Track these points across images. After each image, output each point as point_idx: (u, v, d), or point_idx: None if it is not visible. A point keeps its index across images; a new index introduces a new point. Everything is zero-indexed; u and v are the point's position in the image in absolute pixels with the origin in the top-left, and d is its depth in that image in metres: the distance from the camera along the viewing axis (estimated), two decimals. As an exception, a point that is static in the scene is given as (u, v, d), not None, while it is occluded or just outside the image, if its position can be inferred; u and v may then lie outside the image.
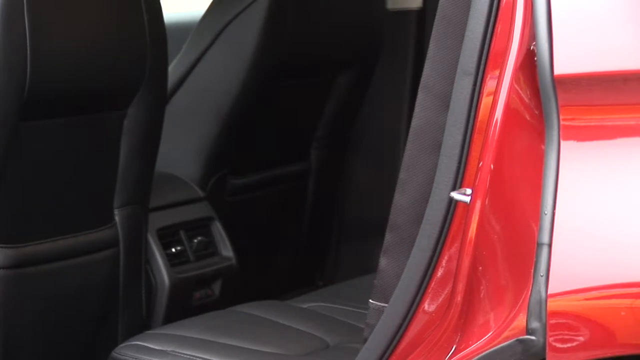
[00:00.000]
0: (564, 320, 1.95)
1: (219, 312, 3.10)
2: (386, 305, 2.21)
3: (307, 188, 3.73)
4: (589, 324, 1.95)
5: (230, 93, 3.46)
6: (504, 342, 2.02)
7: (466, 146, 2.10)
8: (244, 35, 3.44)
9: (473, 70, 2.08)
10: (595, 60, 1.96)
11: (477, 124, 2.09)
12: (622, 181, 1.95)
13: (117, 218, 3.08)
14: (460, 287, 2.10)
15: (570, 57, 1.96)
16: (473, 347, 2.08)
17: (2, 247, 2.86)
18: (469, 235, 2.09)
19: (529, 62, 2.01)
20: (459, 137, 2.11)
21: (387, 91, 3.83)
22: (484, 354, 2.04)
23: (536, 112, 2.00)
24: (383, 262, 2.29)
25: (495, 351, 2.03)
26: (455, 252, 2.12)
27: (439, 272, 2.14)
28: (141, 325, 3.13)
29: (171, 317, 3.18)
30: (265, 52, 3.45)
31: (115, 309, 3.10)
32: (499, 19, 2.06)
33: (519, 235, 2.03)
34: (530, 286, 1.98)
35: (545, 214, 1.97)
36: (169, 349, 2.79)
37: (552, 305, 1.95)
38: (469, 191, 2.09)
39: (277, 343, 2.85)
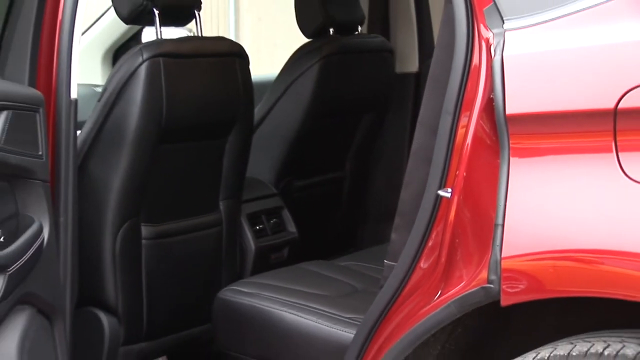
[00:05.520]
0: (512, 275, 1.93)
1: (287, 268, 3.11)
2: (395, 263, 2.20)
3: (343, 188, 3.73)
4: (528, 276, 1.94)
5: (294, 127, 3.46)
6: (473, 288, 2.00)
7: (447, 160, 2.08)
8: (303, 90, 3.45)
9: (452, 111, 2.06)
10: (534, 104, 1.95)
11: (455, 146, 2.06)
12: (550, 183, 1.93)
13: (221, 207, 3.08)
14: (444, 252, 2.09)
15: (517, 102, 1.94)
16: (452, 292, 2.06)
17: (147, 225, 2.88)
18: (450, 218, 2.07)
19: (490, 105, 1.99)
20: (443, 155, 2.09)
21: (395, 125, 3.83)
22: (459, 296, 2.02)
23: (494, 139, 1.98)
24: (393, 236, 2.28)
25: (467, 294, 2.01)
26: (440, 230, 2.10)
27: (430, 243, 2.12)
28: (236, 276, 3.13)
29: (255, 271, 3.18)
30: (317, 101, 3.45)
31: (220, 265, 3.10)
32: (469, 78, 2.04)
33: (482, 219, 2.01)
34: (490, 252, 1.96)
35: (500, 205, 1.95)
36: (254, 291, 2.79)
37: (504, 264, 1.94)
38: (449, 190, 2.07)
39: (323, 287, 2.85)
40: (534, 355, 1.91)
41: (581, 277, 1.88)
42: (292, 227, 3.41)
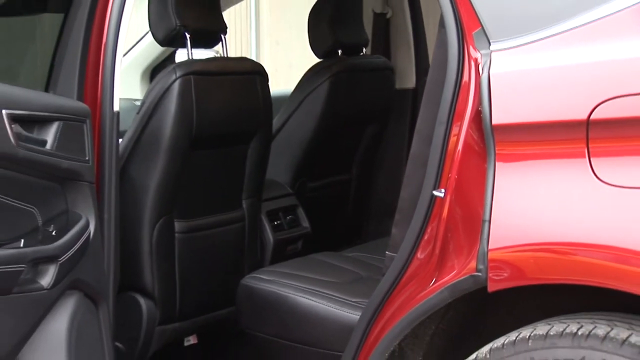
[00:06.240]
0: (498, 264, 1.93)
1: (301, 258, 3.10)
2: (395, 254, 2.19)
3: (350, 189, 3.72)
4: (511, 266, 1.93)
5: (307, 136, 3.46)
6: (463, 276, 1.99)
7: (441, 165, 2.07)
8: (315, 104, 3.44)
9: (445, 121, 2.06)
10: (517, 115, 1.94)
11: (448, 152, 2.06)
12: (531, 184, 1.92)
13: (243, 205, 3.08)
14: (438, 245, 2.08)
15: (502, 114, 1.94)
16: (445, 279, 2.05)
17: (180, 221, 2.88)
18: (443, 215, 2.06)
19: (478, 117, 1.98)
20: (437, 160, 2.08)
21: (395, 134, 3.82)
22: (451, 283, 2.02)
23: (482, 146, 1.98)
24: (394, 230, 2.27)
25: (458, 282, 2.00)
26: (435, 225, 2.09)
27: (426, 236, 2.11)
28: (257, 265, 3.12)
29: (274, 261, 3.18)
30: (327, 113, 3.45)
31: (243, 256, 3.10)
32: (460, 92, 2.04)
33: (472, 216, 2.00)
34: (478, 244, 1.95)
35: (487, 204, 1.94)
36: (273, 279, 2.79)
37: (491, 255, 1.93)
38: (443, 190, 2.06)
39: (332, 275, 2.84)
40: (516, 334, 1.90)
41: (557, 267, 1.87)
42: (305, 223, 3.40)
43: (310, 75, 3.48)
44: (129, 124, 2.83)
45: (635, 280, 1.78)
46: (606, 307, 1.92)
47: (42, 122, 2.31)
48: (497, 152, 1.93)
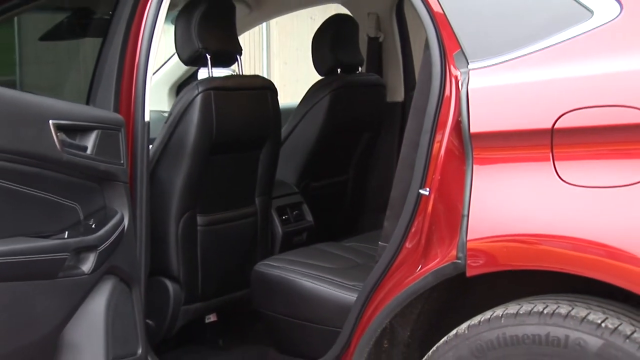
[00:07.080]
0: (475, 253, 1.92)
1: (305, 248, 3.09)
2: (387, 244, 2.19)
3: (347, 188, 3.71)
4: (486, 254, 1.93)
5: (311, 142, 3.45)
6: (445, 263, 1.99)
7: (426, 167, 2.07)
8: (318, 115, 3.43)
9: (430, 130, 2.05)
10: (492, 124, 1.94)
11: (432, 156, 2.05)
12: (503, 184, 1.92)
13: (256, 202, 3.07)
14: (424, 236, 2.08)
15: (478, 123, 1.93)
16: (429, 266, 2.05)
17: (202, 215, 2.87)
18: (428, 211, 2.06)
19: (458, 126, 1.98)
20: (423, 163, 2.07)
21: (387, 141, 3.81)
22: (435, 269, 2.02)
23: (461, 151, 1.97)
24: (386, 224, 2.27)
25: (441, 268, 2.00)
26: (421, 219, 2.09)
27: (413, 229, 2.11)
28: (268, 254, 3.12)
29: (282, 250, 3.17)
30: (328, 123, 3.43)
31: (255, 246, 3.09)
32: (442, 105, 2.04)
33: (452, 211, 2.00)
34: (458, 236, 1.95)
35: (465, 201, 1.94)
36: (281, 265, 2.78)
37: (469, 245, 1.93)
38: (428, 189, 2.06)
39: (332, 261, 2.83)
40: (491, 313, 1.90)
41: (525, 255, 1.87)
42: (309, 217, 3.39)
43: (313, 90, 3.47)
44: (158, 132, 2.83)
45: (589, 265, 1.78)
46: (570, 290, 1.92)
47: (83, 130, 2.31)
48: (474, 156, 1.93)
